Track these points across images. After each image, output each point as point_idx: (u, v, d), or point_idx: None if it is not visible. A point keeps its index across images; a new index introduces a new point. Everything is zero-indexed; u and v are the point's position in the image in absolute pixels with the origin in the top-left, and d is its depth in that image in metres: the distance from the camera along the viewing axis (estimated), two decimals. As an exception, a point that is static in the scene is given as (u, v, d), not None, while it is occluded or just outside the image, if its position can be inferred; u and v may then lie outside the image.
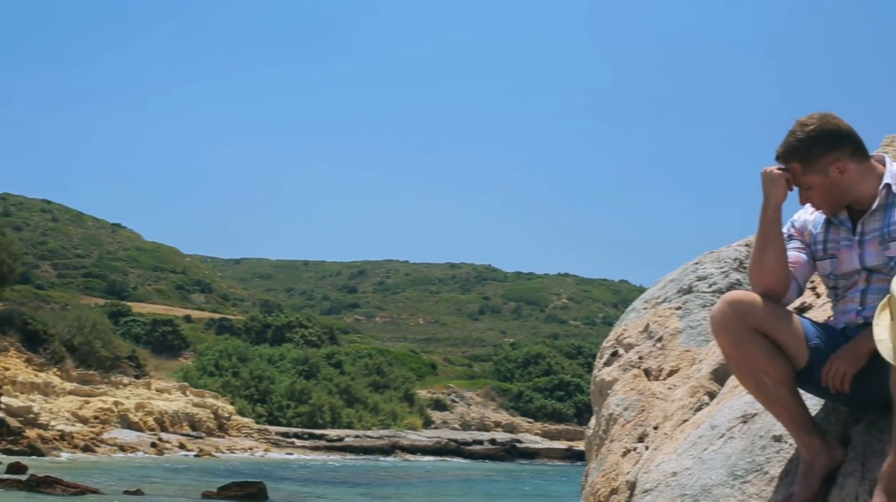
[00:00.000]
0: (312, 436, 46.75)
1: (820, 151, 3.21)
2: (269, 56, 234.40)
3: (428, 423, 54.53)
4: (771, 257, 3.27)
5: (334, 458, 42.95)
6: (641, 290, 6.06)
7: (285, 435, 46.17)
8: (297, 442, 45.79)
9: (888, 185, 3.21)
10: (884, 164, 3.28)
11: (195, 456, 37.75)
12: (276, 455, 42.28)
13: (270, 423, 47.57)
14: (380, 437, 48.45)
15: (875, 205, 3.21)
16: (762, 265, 3.28)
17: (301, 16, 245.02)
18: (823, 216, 3.36)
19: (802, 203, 3.35)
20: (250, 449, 42.69)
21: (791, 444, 3.33)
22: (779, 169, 3.29)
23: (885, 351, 2.87)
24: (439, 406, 57.17)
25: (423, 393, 57.54)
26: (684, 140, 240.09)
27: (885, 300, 2.95)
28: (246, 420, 46.38)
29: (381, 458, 44.83)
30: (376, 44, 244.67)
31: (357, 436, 47.97)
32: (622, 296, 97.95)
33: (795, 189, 3.31)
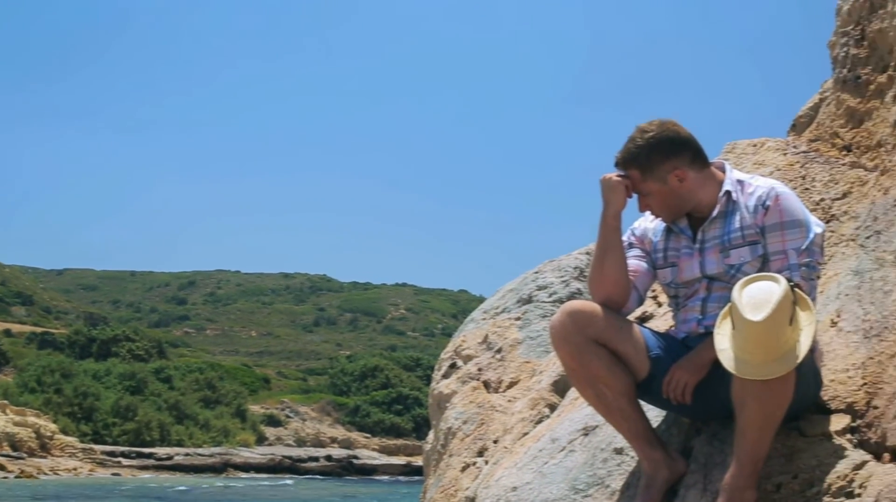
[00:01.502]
0: (140, 455, 45.42)
1: (659, 158, 3.18)
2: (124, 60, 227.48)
3: (261, 440, 53.68)
4: (611, 266, 3.22)
5: (163, 478, 41.72)
6: (481, 300, 6.00)
7: (111, 454, 44.71)
8: (124, 461, 44.40)
9: (728, 193, 3.20)
10: (724, 172, 3.27)
11: (16, 477, 36.22)
12: (101, 475, 40.93)
13: (96, 442, 46.01)
14: (211, 455, 47.37)
15: (715, 212, 3.19)
16: (602, 274, 3.23)
17: (161, 31, 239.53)
18: (664, 224, 3.33)
19: (642, 210, 3.32)
20: (74, 469, 41.24)
21: (633, 457, 3.29)
22: (618, 175, 3.25)
23: (726, 360, 2.84)
24: (273, 421, 56.35)
25: (255, 409, 56.66)
26: (527, 133, 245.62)
27: (726, 309, 2.93)
28: (70, 439, 44.76)
29: (213, 477, 43.77)
30: (215, 58, 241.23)
31: (187, 455, 46.77)
32: (461, 306, 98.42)
33: (636, 196, 3.28)
